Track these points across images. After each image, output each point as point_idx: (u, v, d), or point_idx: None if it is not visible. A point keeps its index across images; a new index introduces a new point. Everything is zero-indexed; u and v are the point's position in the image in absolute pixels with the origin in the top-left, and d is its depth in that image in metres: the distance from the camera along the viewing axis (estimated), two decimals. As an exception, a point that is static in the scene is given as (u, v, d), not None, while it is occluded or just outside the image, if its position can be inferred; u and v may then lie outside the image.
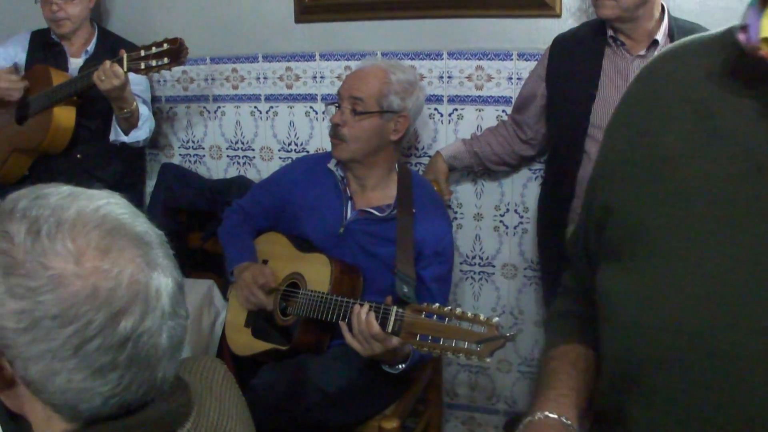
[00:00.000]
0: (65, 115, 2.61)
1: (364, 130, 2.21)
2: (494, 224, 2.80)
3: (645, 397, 0.86)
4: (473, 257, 2.86)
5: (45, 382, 0.77)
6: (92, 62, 2.60)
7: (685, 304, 0.79)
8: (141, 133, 2.69)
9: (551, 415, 1.00)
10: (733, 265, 0.76)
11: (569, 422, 0.99)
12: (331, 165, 2.34)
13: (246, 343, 2.33)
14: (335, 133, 2.23)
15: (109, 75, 2.37)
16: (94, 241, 0.78)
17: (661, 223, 0.86)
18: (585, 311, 1.16)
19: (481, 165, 2.61)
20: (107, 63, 2.38)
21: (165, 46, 2.31)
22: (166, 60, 2.31)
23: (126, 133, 2.65)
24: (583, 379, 1.07)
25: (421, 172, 2.68)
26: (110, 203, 0.82)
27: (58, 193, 0.81)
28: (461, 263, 2.88)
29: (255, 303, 2.25)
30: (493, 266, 2.85)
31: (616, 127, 1.01)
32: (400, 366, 2.06)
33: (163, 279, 0.82)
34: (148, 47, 2.34)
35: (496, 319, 1.66)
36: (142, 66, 2.35)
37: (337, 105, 2.27)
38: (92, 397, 0.78)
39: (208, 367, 1.07)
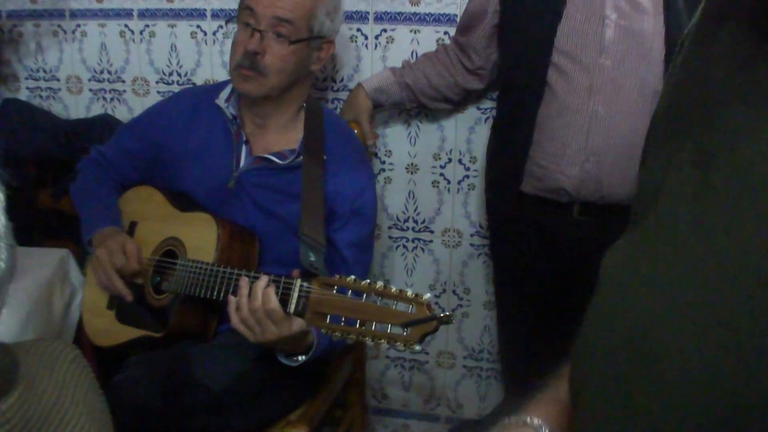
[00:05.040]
0: None
1: (288, 60, 2.18)
2: (433, 178, 2.78)
3: None
4: (406, 220, 2.84)
5: None
6: None
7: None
8: None
9: (531, 422, 0.95)
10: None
11: None
12: (220, 101, 2.31)
13: (109, 330, 2.29)
14: (252, 63, 2.16)
15: None
16: None
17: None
18: None
19: (416, 101, 2.58)
20: None
21: None
22: None
23: None
24: None
25: (338, 111, 2.64)
26: None
27: None
28: (390, 227, 2.86)
29: (111, 290, 2.23)
30: (431, 232, 2.84)
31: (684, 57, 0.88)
32: (299, 358, 2.04)
33: None
34: None
35: (428, 295, 1.64)
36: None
37: (246, 23, 2.19)
38: None
39: (53, 349, 1.11)
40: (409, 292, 1.65)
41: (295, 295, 1.84)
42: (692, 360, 0.68)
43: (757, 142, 0.69)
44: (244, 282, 1.92)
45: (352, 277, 1.75)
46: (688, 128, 0.80)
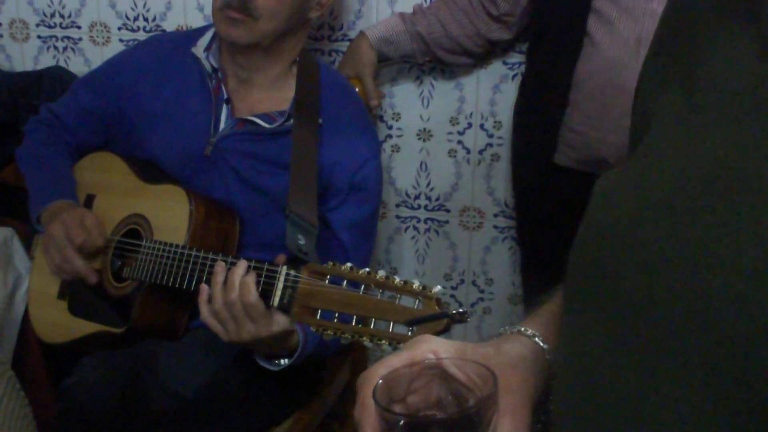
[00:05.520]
0: None
1: (285, 2, 2.18)
2: (449, 146, 2.80)
3: None
4: (417, 196, 2.87)
5: None
6: None
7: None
8: None
9: (525, 331, 1.13)
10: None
11: (544, 345, 1.12)
12: (198, 50, 2.31)
13: (60, 325, 2.30)
14: (242, 3, 2.15)
15: None
16: None
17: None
18: None
19: (429, 54, 2.59)
20: None
21: None
22: None
23: None
24: None
25: (336, 65, 2.65)
26: None
27: None
28: (398, 206, 2.89)
29: (70, 272, 2.22)
30: (447, 211, 2.86)
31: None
32: (282, 361, 2.05)
33: None
34: None
35: (438, 288, 1.65)
36: None
37: None
38: None
39: None
40: (416, 284, 1.65)
41: (280, 285, 1.84)
42: (668, 246, 0.84)
43: (729, 59, 0.87)
44: (220, 268, 1.92)
45: (348, 264, 1.74)
46: (675, 55, 0.97)
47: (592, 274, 0.93)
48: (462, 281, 2.92)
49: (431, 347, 1.04)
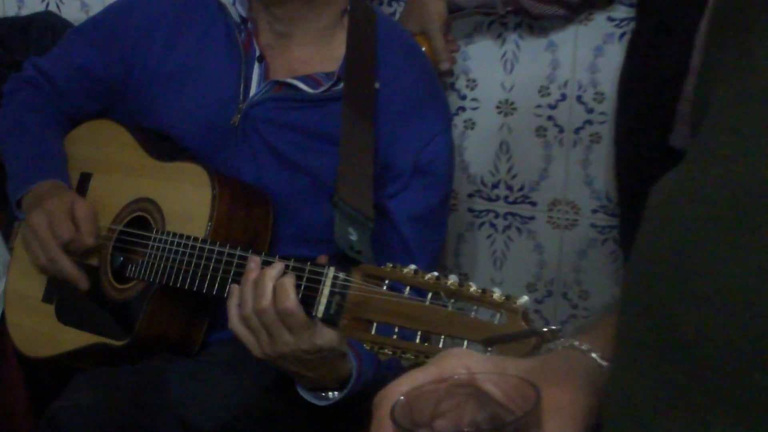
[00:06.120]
0: None
1: None
2: (538, 123, 2.79)
3: None
4: (495, 185, 2.87)
5: None
6: None
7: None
8: None
9: (579, 346, 1.17)
10: None
11: (603, 362, 1.14)
12: (224, -4, 2.31)
13: (46, 334, 2.32)
14: None
15: None
16: None
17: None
18: None
19: (513, 3, 2.58)
20: None
21: None
22: None
23: None
24: None
25: (397, 17, 2.64)
26: None
27: None
28: (471, 196, 2.88)
29: (56, 275, 2.25)
30: (533, 204, 2.86)
31: None
32: (331, 394, 2.04)
33: None
34: None
35: (524, 299, 1.63)
36: None
37: None
38: None
39: None
40: (497, 293, 1.63)
41: (326, 291, 1.83)
42: (722, 274, 0.86)
43: None
44: (254, 263, 1.90)
45: (412, 267, 1.73)
46: (729, 41, 1.00)
47: (645, 306, 0.96)
48: (549, 293, 2.93)
49: (463, 362, 1.07)
